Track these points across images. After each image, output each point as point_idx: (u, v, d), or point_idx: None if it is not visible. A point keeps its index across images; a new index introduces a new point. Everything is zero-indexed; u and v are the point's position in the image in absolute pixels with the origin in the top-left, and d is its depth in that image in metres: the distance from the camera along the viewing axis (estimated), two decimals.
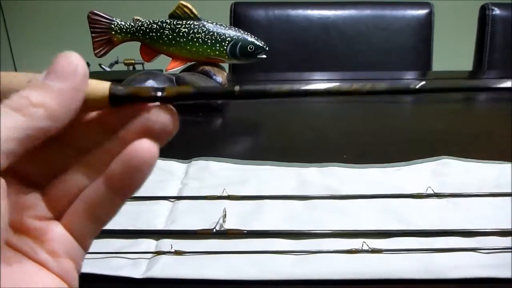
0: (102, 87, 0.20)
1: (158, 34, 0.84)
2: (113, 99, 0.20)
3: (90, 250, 0.43)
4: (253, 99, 0.22)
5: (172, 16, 0.85)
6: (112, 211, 0.21)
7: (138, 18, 0.86)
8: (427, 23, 1.31)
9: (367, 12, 1.31)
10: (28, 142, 0.17)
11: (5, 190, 0.17)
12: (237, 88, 0.21)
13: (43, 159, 0.20)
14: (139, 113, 0.20)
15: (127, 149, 0.19)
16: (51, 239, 0.20)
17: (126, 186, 0.20)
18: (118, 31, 0.85)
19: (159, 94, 0.20)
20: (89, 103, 0.20)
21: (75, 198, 0.20)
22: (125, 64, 1.42)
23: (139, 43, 0.87)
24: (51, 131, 0.18)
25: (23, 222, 0.20)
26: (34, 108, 0.18)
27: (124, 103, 0.20)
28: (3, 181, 0.17)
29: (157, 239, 0.47)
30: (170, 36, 0.84)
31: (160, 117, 0.20)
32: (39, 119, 0.18)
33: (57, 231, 0.20)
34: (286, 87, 0.22)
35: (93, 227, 0.21)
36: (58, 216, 0.21)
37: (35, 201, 0.20)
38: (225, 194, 0.53)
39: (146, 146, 0.19)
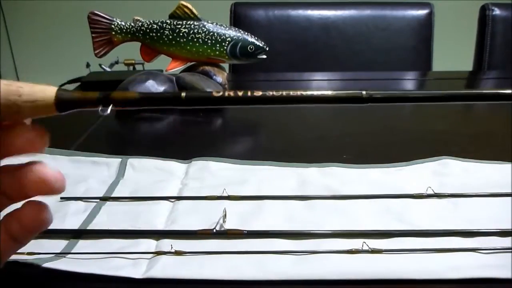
0: (49, 92, 0.20)
1: (158, 34, 0.84)
2: (60, 104, 0.20)
3: (90, 250, 0.43)
4: (200, 105, 0.22)
5: (172, 16, 0.85)
6: (28, 239, 0.23)
7: (138, 18, 0.86)
8: (427, 23, 1.31)
9: (367, 12, 1.31)
10: None
11: None
12: (183, 94, 0.21)
13: None
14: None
15: (22, 213, 0.22)
16: None
17: (32, 232, 0.23)
18: (118, 31, 0.85)
19: (104, 99, 0.20)
20: (36, 108, 0.20)
21: None
22: (125, 64, 1.42)
23: (139, 43, 0.87)
24: None
25: None
26: None
27: (70, 108, 0.20)
28: None
29: (157, 239, 0.47)
30: (170, 37, 0.84)
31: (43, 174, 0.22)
32: None
33: None
34: (232, 93, 0.21)
35: (13, 246, 0.23)
36: None
37: None
38: (225, 194, 0.53)
39: (35, 214, 0.22)
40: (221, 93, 0.21)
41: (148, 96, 0.21)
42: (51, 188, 0.22)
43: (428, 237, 0.46)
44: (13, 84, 0.20)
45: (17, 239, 0.23)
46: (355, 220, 0.49)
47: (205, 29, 0.84)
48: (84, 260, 0.43)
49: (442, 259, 0.43)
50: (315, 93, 0.21)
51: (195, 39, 0.84)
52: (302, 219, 0.50)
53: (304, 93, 0.21)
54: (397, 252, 0.44)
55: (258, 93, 0.21)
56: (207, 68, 0.87)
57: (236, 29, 0.86)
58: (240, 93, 0.21)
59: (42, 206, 0.22)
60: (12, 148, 0.22)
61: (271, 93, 0.21)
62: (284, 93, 0.21)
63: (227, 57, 0.85)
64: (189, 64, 0.89)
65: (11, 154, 0.22)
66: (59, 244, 0.45)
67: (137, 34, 0.85)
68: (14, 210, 0.23)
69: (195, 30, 0.84)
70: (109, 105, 0.21)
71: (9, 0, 2.28)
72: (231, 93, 0.21)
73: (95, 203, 0.53)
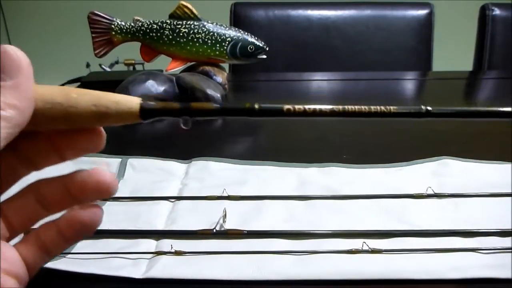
0: (135, 101, 0.22)
1: (158, 34, 0.84)
2: (144, 113, 0.22)
3: (90, 250, 0.43)
4: (271, 116, 0.24)
5: (172, 16, 0.85)
6: (60, 249, 0.23)
7: (138, 18, 0.86)
8: (427, 23, 1.31)
9: (367, 12, 1.31)
10: (6, 140, 0.19)
11: None
12: (256, 106, 0.23)
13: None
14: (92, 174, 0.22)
15: (77, 213, 0.22)
16: (4, 257, 0.21)
17: (72, 238, 0.23)
18: (118, 31, 0.85)
19: (185, 109, 0.23)
20: (122, 116, 0.22)
21: (30, 224, 0.23)
22: (125, 64, 1.42)
23: (139, 43, 0.87)
24: (23, 125, 0.20)
25: None
26: (4, 111, 0.19)
27: (153, 117, 0.23)
28: None
29: (157, 239, 0.47)
30: (170, 37, 0.84)
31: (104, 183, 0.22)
32: (8, 118, 0.19)
33: (10, 252, 0.22)
34: (301, 107, 0.23)
35: (42, 257, 0.23)
36: (14, 236, 0.22)
37: None
38: (225, 194, 0.53)
39: (93, 213, 0.22)
40: (291, 107, 0.23)
41: (224, 108, 0.23)
42: (108, 190, 0.22)
43: (428, 237, 0.46)
44: (102, 93, 0.22)
45: (68, 241, 0.23)
46: (355, 220, 0.49)
47: (205, 29, 0.84)
48: (84, 260, 0.43)
49: (442, 259, 0.43)
50: (378, 108, 0.24)
51: (195, 39, 0.84)
52: (302, 219, 0.50)
53: (370, 108, 0.23)
54: (397, 252, 0.44)
55: (327, 108, 0.23)
56: (207, 68, 0.87)
57: (236, 29, 0.86)
58: (309, 107, 0.23)
59: (99, 206, 0.23)
60: (69, 152, 0.23)
61: (339, 107, 0.23)
62: (350, 107, 0.23)
63: (227, 57, 0.85)
64: (189, 64, 0.89)
65: (67, 158, 0.23)
66: None
67: (137, 34, 0.85)
68: (66, 213, 0.23)
69: (195, 30, 0.83)
70: (189, 115, 0.23)
71: (9, 0, 2.28)
72: (301, 108, 0.23)
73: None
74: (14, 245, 0.22)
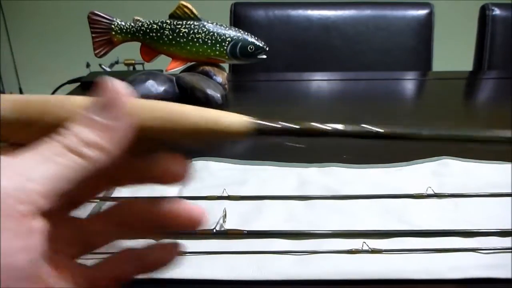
0: (244, 119, 0.22)
1: (158, 34, 0.84)
2: (256, 132, 0.22)
3: None
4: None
5: (172, 16, 0.85)
6: (129, 278, 0.23)
7: (138, 18, 0.86)
8: (427, 23, 1.31)
9: (367, 12, 1.31)
10: (78, 179, 0.18)
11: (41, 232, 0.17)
12: (381, 129, 0.24)
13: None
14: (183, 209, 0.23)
15: (158, 253, 0.23)
16: (69, 275, 0.21)
17: (143, 273, 0.23)
18: (118, 31, 0.85)
19: (296, 128, 0.23)
20: (229, 134, 0.22)
21: (104, 244, 0.23)
22: (125, 64, 1.42)
23: (139, 43, 0.87)
24: (101, 167, 0.19)
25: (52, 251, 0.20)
26: (87, 148, 0.18)
27: (264, 135, 0.23)
28: (43, 223, 0.17)
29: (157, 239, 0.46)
30: (170, 37, 0.84)
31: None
32: (91, 159, 0.18)
33: (74, 269, 0.21)
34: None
35: (111, 285, 0.23)
36: (84, 254, 0.23)
37: (71, 236, 0.22)
38: (225, 194, 0.53)
39: (173, 254, 0.23)
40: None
41: (340, 132, 0.23)
42: (195, 226, 0.22)
43: (428, 237, 0.46)
44: (207, 110, 0.22)
45: (138, 274, 0.23)
46: (355, 220, 0.49)
47: (205, 29, 0.84)
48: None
49: (442, 259, 0.43)
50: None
51: (195, 39, 0.84)
52: (302, 219, 0.50)
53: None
54: (397, 252, 0.44)
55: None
56: (207, 68, 0.87)
57: (236, 29, 0.86)
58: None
59: (178, 246, 0.23)
60: (152, 177, 0.23)
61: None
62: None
63: (227, 57, 0.85)
64: (189, 64, 0.89)
65: (148, 182, 0.23)
66: None
67: (137, 34, 0.85)
68: (146, 248, 0.23)
69: (195, 30, 0.84)
70: (306, 136, 0.22)
71: (9, 0, 2.28)
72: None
73: (95, 203, 0.52)
74: (84, 266, 0.22)
